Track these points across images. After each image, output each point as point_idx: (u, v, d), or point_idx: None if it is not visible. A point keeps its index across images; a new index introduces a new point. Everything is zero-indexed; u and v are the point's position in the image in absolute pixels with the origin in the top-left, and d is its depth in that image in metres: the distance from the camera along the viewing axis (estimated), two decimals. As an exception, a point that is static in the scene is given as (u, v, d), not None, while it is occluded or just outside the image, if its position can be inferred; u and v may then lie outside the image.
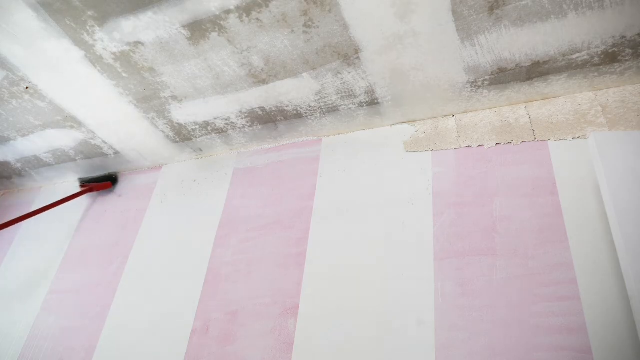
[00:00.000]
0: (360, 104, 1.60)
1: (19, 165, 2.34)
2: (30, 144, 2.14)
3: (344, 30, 1.35)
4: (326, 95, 1.59)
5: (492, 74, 1.39)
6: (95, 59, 1.61)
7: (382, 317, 1.30)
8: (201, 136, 1.90)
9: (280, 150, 1.84)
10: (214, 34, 1.43)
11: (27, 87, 1.80)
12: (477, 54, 1.33)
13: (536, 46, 1.27)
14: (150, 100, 1.75)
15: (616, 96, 1.33)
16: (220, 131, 1.85)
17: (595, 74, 1.32)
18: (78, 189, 2.23)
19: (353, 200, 1.55)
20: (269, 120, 1.75)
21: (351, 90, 1.55)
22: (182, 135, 1.92)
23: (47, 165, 2.28)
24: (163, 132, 1.91)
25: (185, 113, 1.79)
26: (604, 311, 1.08)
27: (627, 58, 1.26)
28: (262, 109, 1.70)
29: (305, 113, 1.68)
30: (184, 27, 1.42)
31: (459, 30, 1.28)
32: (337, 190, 1.61)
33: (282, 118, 1.73)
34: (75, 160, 2.20)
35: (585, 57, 1.28)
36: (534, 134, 1.39)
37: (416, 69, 1.42)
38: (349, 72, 1.48)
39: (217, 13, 1.36)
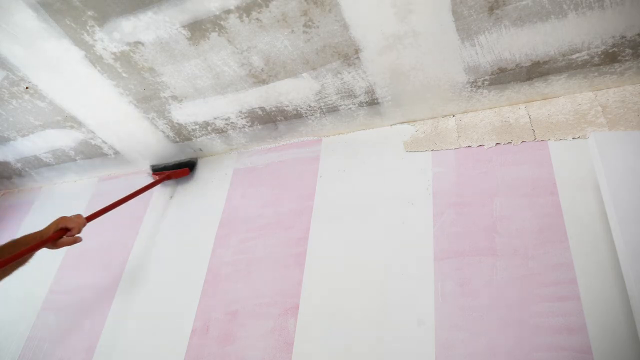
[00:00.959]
0: (360, 104, 1.60)
1: (19, 165, 2.34)
2: (30, 144, 2.14)
3: (344, 30, 1.35)
4: (326, 95, 1.59)
5: (492, 74, 1.38)
6: (95, 59, 1.61)
7: (382, 317, 1.30)
8: (201, 136, 1.90)
9: (280, 150, 1.84)
10: (214, 34, 1.43)
11: (27, 87, 1.80)
12: (477, 54, 1.33)
13: (536, 46, 1.27)
14: (150, 100, 1.75)
15: (616, 96, 1.33)
16: (220, 131, 1.85)
17: (595, 74, 1.32)
18: (150, 178, 2.05)
19: (353, 201, 1.55)
20: (269, 120, 1.75)
21: (351, 90, 1.55)
22: (182, 135, 1.92)
23: (47, 165, 2.28)
24: (163, 132, 1.91)
25: (185, 113, 1.79)
26: (604, 311, 1.08)
27: (627, 58, 1.26)
28: (262, 109, 1.70)
29: (305, 113, 1.68)
30: (184, 27, 1.42)
31: (459, 30, 1.27)
32: (337, 190, 1.61)
33: (282, 118, 1.73)
34: (75, 160, 2.20)
35: (585, 57, 1.28)
36: (534, 134, 1.39)
37: (416, 69, 1.42)
38: (349, 72, 1.48)
39: (217, 13, 1.36)
